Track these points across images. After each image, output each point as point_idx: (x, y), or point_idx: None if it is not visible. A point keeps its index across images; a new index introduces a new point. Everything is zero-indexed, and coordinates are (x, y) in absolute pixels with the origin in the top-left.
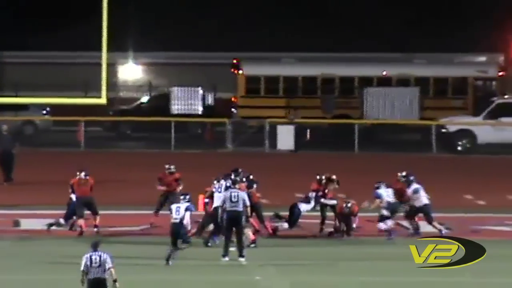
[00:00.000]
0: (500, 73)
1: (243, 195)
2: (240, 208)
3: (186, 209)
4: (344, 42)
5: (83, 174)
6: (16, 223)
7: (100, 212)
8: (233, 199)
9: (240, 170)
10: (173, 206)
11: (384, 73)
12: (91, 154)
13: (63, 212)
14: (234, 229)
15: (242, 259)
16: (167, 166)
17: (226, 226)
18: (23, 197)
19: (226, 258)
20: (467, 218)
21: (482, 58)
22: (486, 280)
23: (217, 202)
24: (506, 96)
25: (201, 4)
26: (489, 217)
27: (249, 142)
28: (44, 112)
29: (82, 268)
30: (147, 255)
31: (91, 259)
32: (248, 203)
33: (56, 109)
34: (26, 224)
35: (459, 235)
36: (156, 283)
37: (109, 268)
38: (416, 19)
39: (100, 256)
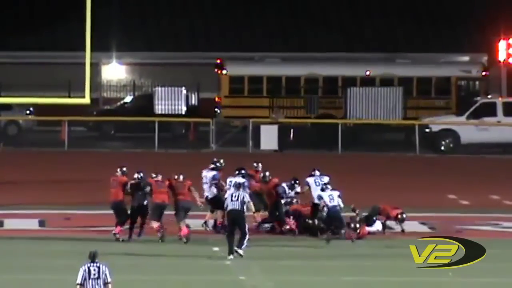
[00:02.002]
0: (484, 73)
1: (244, 194)
2: (239, 207)
3: None
4: (327, 42)
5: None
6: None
7: (83, 212)
8: (233, 198)
9: (243, 170)
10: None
11: (368, 73)
12: (75, 154)
13: (47, 212)
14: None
15: (239, 250)
16: (255, 164)
17: (228, 224)
18: (6, 197)
19: (231, 256)
20: (450, 218)
21: (466, 58)
22: (469, 280)
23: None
24: (489, 96)
25: (185, 4)
26: (472, 217)
27: (233, 142)
28: (28, 112)
29: (78, 280)
30: (132, 254)
31: (89, 270)
32: (247, 199)
33: (39, 109)
34: (10, 224)
35: (443, 235)
36: (139, 283)
37: (107, 283)
38: (400, 19)
39: (99, 268)
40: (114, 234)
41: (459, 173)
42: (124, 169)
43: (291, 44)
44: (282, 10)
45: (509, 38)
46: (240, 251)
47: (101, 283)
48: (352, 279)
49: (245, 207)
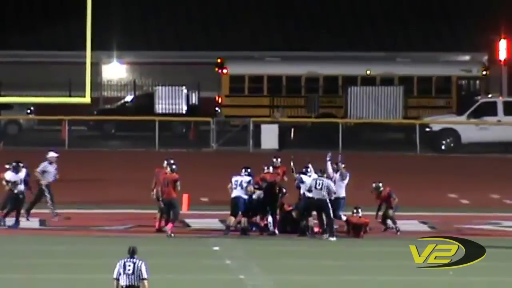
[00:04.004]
0: (484, 72)
1: (329, 183)
2: (323, 195)
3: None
4: (328, 41)
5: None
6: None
7: (84, 211)
8: (317, 186)
9: (249, 169)
10: None
11: (368, 72)
12: (75, 153)
13: (48, 211)
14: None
15: (332, 239)
16: (274, 160)
17: (305, 211)
18: None
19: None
20: (451, 217)
21: (466, 57)
22: (469, 279)
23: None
24: (489, 95)
25: (185, 3)
26: (472, 216)
27: (233, 141)
28: (28, 111)
29: (114, 275)
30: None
31: (124, 265)
32: (334, 189)
33: (40, 108)
34: (10, 223)
35: (443, 234)
36: None
37: (143, 279)
38: (400, 18)
39: (134, 264)
40: (169, 233)
41: (460, 172)
42: (174, 166)
43: (291, 43)
44: (283, 9)
45: (509, 37)
46: (333, 238)
47: (136, 279)
48: (352, 278)
49: (325, 193)
